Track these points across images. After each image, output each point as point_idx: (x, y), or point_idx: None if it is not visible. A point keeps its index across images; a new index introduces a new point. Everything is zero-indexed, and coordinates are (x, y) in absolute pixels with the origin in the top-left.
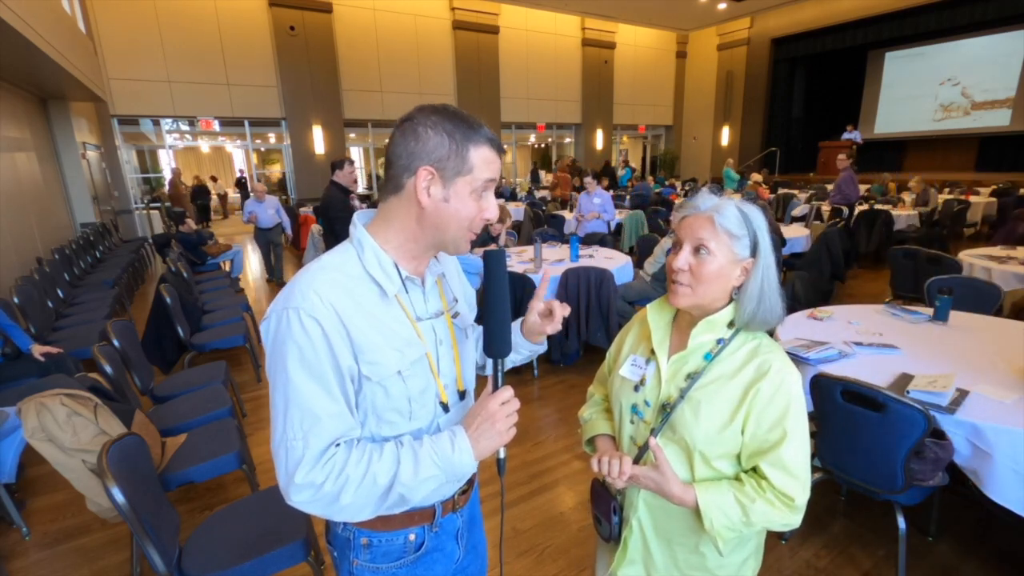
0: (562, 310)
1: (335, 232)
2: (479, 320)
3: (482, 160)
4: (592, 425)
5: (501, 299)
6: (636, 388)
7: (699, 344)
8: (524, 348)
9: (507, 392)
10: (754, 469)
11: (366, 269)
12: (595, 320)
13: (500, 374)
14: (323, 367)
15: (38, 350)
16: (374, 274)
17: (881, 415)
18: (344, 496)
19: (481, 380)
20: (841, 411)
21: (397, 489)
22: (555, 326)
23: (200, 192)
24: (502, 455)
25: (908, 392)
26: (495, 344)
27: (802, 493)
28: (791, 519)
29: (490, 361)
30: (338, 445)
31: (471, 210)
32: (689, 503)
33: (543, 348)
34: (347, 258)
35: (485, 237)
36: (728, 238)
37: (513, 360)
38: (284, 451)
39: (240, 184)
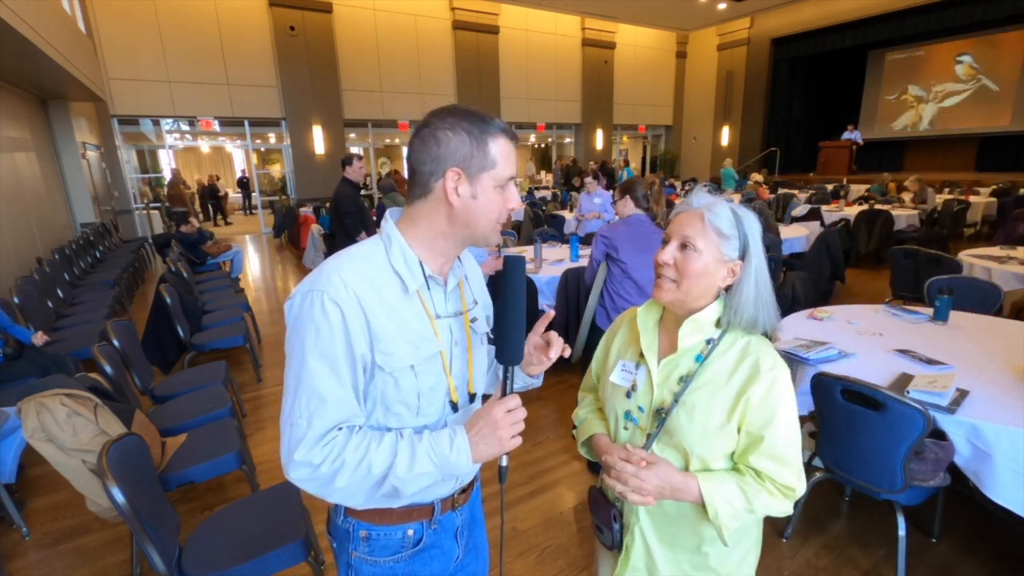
0: (558, 344)
1: (345, 227)
2: (493, 328)
3: (501, 152)
4: (587, 425)
5: (516, 305)
6: (628, 394)
7: (689, 346)
8: (519, 380)
9: (514, 400)
10: (747, 466)
11: (391, 263)
12: None
13: (509, 382)
14: (336, 351)
15: (39, 339)
16: (398, 268)
17: (881, 414)
18: (339, 479)
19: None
20: (841, 410)
21: (390, 480)
22: (551, 359)
23: (211, 191)
24: (504, 463)
25: (908, 392)
26: (507, 350)
27: (798, 481)
28: (788, 507)
29: (501, 368)
30: (340, 429)
31: (497, 203)
32: (693, 491)
33: (538, 382)
34: (375, 250)
35: None
36: (717, 236)
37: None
38: (289, 428)
39: (242, 184)
